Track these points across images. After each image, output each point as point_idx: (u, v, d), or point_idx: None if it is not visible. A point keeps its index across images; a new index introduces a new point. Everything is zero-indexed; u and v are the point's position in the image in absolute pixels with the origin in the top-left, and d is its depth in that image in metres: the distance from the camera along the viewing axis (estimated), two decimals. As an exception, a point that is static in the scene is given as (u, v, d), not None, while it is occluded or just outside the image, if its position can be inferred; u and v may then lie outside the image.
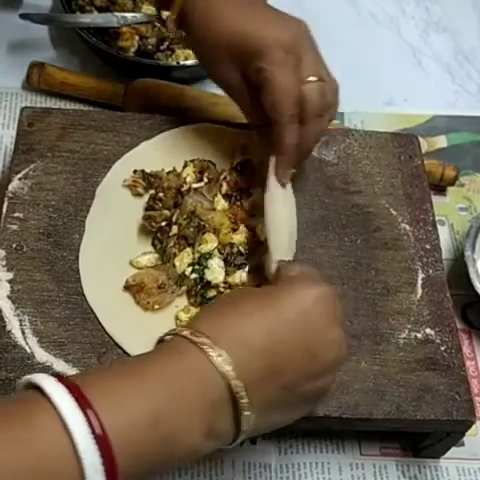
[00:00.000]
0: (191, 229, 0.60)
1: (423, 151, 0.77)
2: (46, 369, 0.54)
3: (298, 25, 0.59)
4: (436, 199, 0.76)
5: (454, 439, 0.60)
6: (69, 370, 0.54)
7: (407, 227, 0.67)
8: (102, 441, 0.38)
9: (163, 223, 0.60)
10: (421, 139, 0.88)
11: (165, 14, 0.77)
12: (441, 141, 0.88)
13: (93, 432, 0.38)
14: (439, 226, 0.74)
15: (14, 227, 0.60)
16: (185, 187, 0.63)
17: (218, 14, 0.59)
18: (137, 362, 0.45)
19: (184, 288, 0.59)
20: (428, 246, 0.66)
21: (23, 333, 0.55)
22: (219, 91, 0.82)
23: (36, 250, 0.60)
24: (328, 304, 0.49)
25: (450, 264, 0.77)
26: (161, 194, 0.62)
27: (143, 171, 0.64)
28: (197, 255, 0.60)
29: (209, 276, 0.58)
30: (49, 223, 0.61)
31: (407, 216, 0.68)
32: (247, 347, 0.45)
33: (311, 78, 0.57)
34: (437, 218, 0.71)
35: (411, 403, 0.57)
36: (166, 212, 0.61)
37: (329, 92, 0.59)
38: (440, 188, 0.82)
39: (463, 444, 0.64)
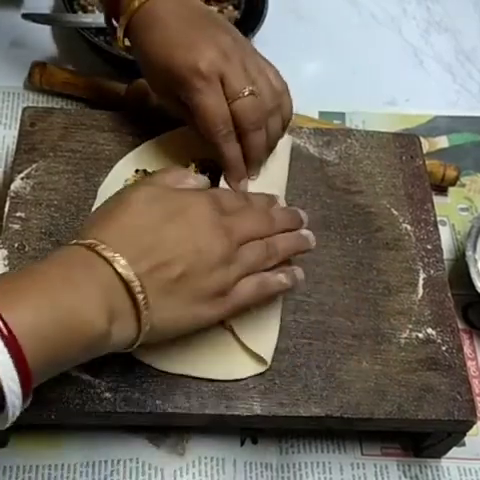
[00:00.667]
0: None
1: (424, 151, 0.77)
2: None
3: (223, 41, 0.59)
4: (437, 199, 0.76)
5: (455, 439, 0.60)
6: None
7: (408, 227, 0.67)
8: (10, 341, 0.39)
9: None
10: (422, 139, 0.88)
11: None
12: (442, 141, 0.88)
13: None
14: (440, 226, 0.74)
15: (16, 227, 0.60)
16: (187, 187, 0.63)
17: (157, 35, 0.60)
18: (37, 265, 0.47)
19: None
20: (429, 246, 0.66)
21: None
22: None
23: (38, 250, 0.60)
24: (208, 205, 0.51)
25: (451, 264, 0.77)
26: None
27: (145, 171, 0.64)
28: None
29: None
30: (51, 223, 0.61)
31: (408, 216, 0.68)
32: (136, 245, 0.47)
33: (241, 93, 0.58)
34: (438, 218, 0.70)
35: (412, 403, 0.57)
36: None
37: (267, 99, 0.60)
38: (441, 188, 0.82)
39: (464, 444, 0.64)
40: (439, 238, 0.67)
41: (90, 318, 0.44)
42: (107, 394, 0.54)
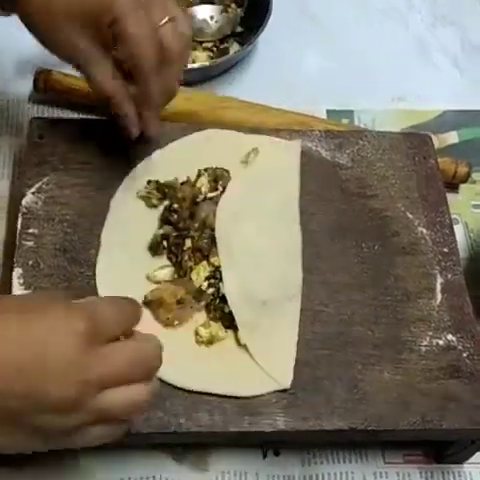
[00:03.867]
0: (205, 241, 0.60)
1: (434, 148, 0.76)
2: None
3: None
4: (448, 197, 0.75)
5: (477, 448, 0.60)
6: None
7: (424, 231, 0.66)
8: None
9: (164, 243, 0.60)
10: (432, 136, 0.87)
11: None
12: (452, 137, 0.87)
13: None
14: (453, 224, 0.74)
15: (30, 244, 0.60)
16: (200, 197, 0.62)
17: None
18: None
19: (203, 303, 0.58)
20: (446, 250, 0.65)
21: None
22: (228, 93, 0.81)
23: (53, 267, 0.59)
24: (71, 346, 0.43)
25: (465, 263, 0.76)
26: (176, 205, 0.61)
27: (157, 182, 0.63)
28: (211, 268, 0.59)
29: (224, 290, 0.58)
30: (65, 238, 0.60)
31: (423, 219, 0.67)
32: None
33: (164, 21, 0.57)
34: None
35: (435, 413, 0.56)
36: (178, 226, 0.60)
37: (184, 27, 0.58)
38: (452, 186, 0.82)
39: (486, 448, 0.64)
40: (455, 241, 0.66)
41: None
42: (129, 415, 0.53)
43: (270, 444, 0.61)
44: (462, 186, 0.82)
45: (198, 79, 0.82)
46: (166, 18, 0.57)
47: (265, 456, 0.61)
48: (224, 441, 0.57)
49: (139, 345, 0.47)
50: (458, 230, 0.78)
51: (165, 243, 0.59)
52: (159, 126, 0.60)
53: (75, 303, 0.46)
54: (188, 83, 0.80)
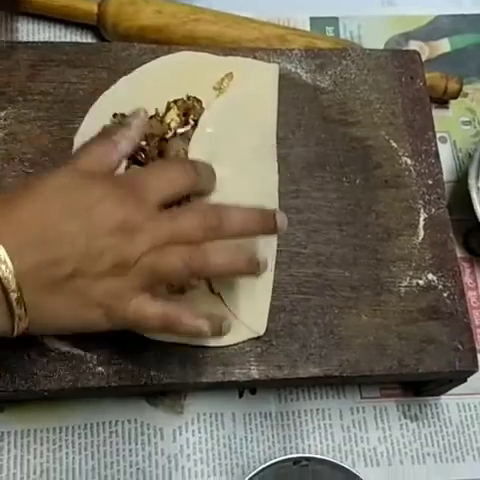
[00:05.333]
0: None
1: (424, 58, 0.72)
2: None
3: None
4: (437, 113, 0.72)
5: (456, 384, 0.59)
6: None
7: (408, 161, 0.63)
8: None
9: None
10: (422, 44, 0.82)
11: None
12: (444, 45, 0.81)
13: None
14: (440, 144, 0.71)
15: (-11, 187, 0.56)
16: (170, 134, 0.58)
17: None
18: None
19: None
20: (430, 181, 0.62)
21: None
22: (200, 3, 0.75)
23: (15, 212, 0.56)
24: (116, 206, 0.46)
25: (452, 186, 0.73)
26: (143, 143, 0.57)
27: (123, 115, 0.59)
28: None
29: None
30: (26, 180, 0.57)
31: (408, 148, 0.63)
32: (24, 238, 0.43)
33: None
34: (438, 135, 0.67)
35: (413, 356, 0.55)
36: None
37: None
38: (442, 101, 0.77)
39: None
40: (441, 171, 0.63)
41: None
42: (100, 368, 0.52)
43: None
44: (452, 101, 0.78)
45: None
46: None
47: (241, 395, 0.61)
48: (197, 389, 0.57)
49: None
50: (446, 150, 0.75)
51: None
52: None
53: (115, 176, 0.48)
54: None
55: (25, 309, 0.43)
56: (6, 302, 0.43)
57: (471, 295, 0.69)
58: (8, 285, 0.42)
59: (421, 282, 0.58)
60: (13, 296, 0.42)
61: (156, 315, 0.47)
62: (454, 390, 0.62)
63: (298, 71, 0.65)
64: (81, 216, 0.45)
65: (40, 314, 0.44)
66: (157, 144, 0.58)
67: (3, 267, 0.42)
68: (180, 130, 0.58)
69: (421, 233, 0.60)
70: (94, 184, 0.46)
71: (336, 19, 0.81)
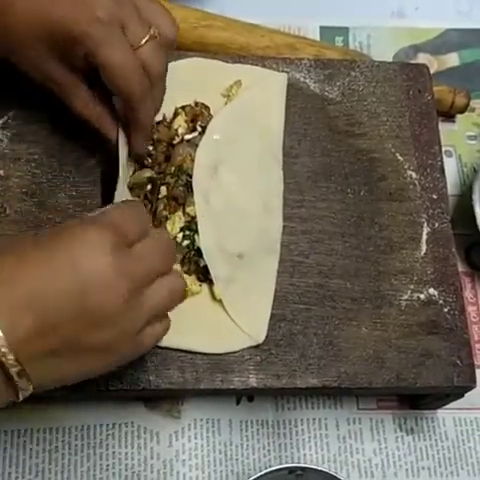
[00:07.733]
0: (180, 188, 0.56)
1: (432, 71, 0.72)
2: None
3: None
4: (444, 127, 0.72)
5: (453, 398, 0.59)
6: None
7: (413, 175, 0.63)
8: None
9: (149, 186, 0.56)
10: (431, 58, 0.82)
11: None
12: (453, 59, 0.82)
13: None
14: (446, 157, 0.71)
15: (-5, 186, 0.57)
16: (177, 139, 0.58)
17: None
18: None
19: (178, 255, 0.56)
20: (435, 196, 0.63)
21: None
22: (211, 9, 0.75)
23: (21, 212, 0.56)
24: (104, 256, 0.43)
25: (455, 200, 0.73)
26: (151, 148, 0.57)
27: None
28: (187, 218, 0.56)
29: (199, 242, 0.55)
30: (32, 181, 0.57)
31: (414, 162, 0.64)
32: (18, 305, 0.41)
33: (144, 40, 0.52)
34: (444, 149, 0.67)
35: (411, 370, 0.56)
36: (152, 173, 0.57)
37: (164, 41, 0.54)
38: (449, 115, 0.77)
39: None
40: (445, 186, 0.63)
41: None
42: (99, 371, 0.52)
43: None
44: (459, 115, 0.78)
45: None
46: (147, 36, 0.52)
47: (238, 402, 0.61)
48: (195, 395, 0.57)
49: (160, 237, 0.48)
50: (451, 164, 0.75)
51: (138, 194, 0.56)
52: (147, 144, 0.57)
53: (87, 218, 0.45)
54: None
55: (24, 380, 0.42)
56: (7, 377, 0.41)
57: (471, 310, 0.69)
58: (8, 362, 0.40)
59: (422, 296, 0.59)
60: (13, 371, 0.41)
61: (160, 335, 0.48)
62: (451, 404, 0.62)
63: (306, 81, 0.65)
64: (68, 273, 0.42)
65: (43, 377, 0.43)
66: (164, 149, 0.58)
67: (3, 346, 0.40)
68: (187, 136, 0.58)
69: (423, 247, 0.60)
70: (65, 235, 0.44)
71: (346, 29, 0.81)
